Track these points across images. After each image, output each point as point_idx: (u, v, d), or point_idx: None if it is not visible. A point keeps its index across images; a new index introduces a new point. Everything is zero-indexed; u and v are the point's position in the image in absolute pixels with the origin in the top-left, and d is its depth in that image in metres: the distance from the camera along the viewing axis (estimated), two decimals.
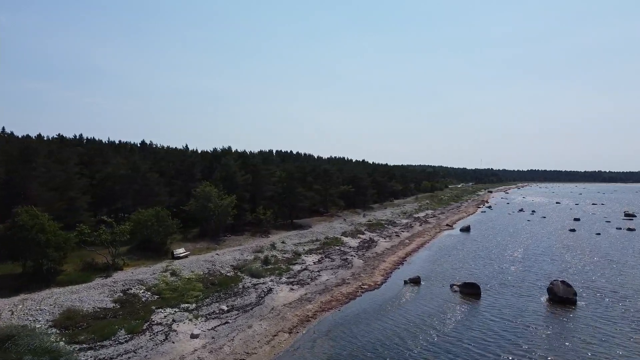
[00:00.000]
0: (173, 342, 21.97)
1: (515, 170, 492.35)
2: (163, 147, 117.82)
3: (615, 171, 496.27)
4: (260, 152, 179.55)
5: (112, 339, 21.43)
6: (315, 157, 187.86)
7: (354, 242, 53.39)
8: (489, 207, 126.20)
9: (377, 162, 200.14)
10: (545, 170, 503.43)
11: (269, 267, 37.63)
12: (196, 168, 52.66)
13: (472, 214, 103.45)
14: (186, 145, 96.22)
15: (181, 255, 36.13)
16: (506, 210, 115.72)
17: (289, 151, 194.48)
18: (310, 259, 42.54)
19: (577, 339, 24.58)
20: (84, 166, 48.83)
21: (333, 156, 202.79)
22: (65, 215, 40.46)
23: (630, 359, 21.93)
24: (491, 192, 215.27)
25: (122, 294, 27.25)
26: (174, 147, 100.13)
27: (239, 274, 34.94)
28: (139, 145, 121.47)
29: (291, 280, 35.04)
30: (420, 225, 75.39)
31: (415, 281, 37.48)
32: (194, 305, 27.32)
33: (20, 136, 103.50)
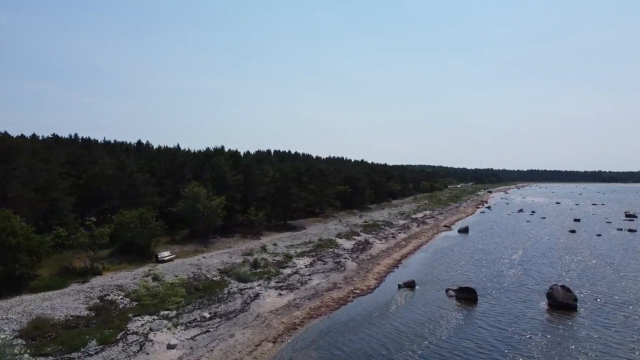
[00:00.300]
0: (147, 354, 20.61)
1: (515, 170, 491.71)
2: (160, 146, 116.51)
3: (615, 171, 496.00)
4: (258, 151, 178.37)
5: (82, 350, 20.07)
6: (314, 157, 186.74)
7: (348, 244, 52.02)
8: (488, 207, 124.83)
9: (376, 162, 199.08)
10: (545, 170, 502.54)
11: (258, 270, 36.26)
12: (186, 168, 51.25)
13: (471, 215, 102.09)
14: (178, 145, 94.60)
15: (166, 258, 34.75)
16: (505, 210, 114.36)
17: (287, 151, 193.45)
18: (302, 262, 41.18)
19: (578, 348, 23.25)
20: (70, 166, 47.49)
21: (332, 156, 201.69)
22: (48, 217, 39.22)
23: None
24: (491, 192, 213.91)
25: (98, 301, 25.89)
26: (166, 147, 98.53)
27: (225, 278, 33.58)
28: (134, 145, 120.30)
29: (280, 284, 33.67)
30: (418, 226, 74.00)
31: (410, 285, 36.12)
32: (174, 312, 25.96)
33: (14, 136, 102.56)
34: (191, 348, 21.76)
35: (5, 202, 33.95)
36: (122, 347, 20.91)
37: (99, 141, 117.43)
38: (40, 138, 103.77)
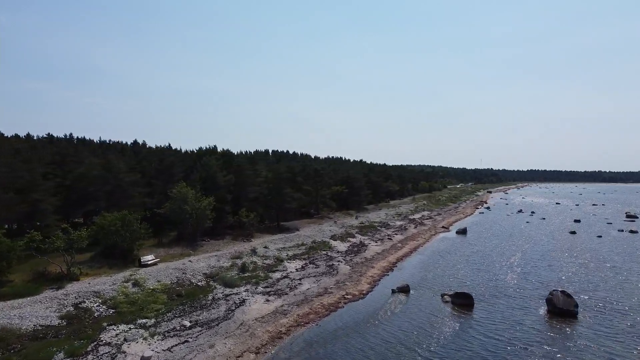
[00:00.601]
0: None
1: (515, 170, 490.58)
2: (151, 146, 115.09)
3: (615, 171, 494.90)
4: (256, 151, 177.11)
5: None
6: (313, 157, 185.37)
7: (342, 247, 50.60)
8: (488, 208, 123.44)
9: (376, 162, 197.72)
10: (545, 170, 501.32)
11: (246, 275, 34.87)
12: (176, 168, 49.81)
13: (469, 215, 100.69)
14: (169, 144, 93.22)
15: (149, 262, 33.32)
16: (505, 211, 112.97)
17: (285, 151, 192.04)
18: (293, 266, 39.77)
19: (578, 357, 21.89)
20: (56, 166, 46.08)
21: (331, 156, 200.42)
22: (29, 219, 37.83)
23: None
24: (490, 192, 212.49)
25: (72, 309, 24.50)
26: (157, 146, 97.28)
27: (211, 283, 32.18)
28: (131, 144, 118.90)
29: (268, 290, 32.26)
30: (415, 227, 72.60)
31: (404, 290, 34.75)
32: (152, 320, 24.56)
33: (8, 136, 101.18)
34: None
35: None
36: None
37: (94, 141, 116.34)
38: (34, 138, 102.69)
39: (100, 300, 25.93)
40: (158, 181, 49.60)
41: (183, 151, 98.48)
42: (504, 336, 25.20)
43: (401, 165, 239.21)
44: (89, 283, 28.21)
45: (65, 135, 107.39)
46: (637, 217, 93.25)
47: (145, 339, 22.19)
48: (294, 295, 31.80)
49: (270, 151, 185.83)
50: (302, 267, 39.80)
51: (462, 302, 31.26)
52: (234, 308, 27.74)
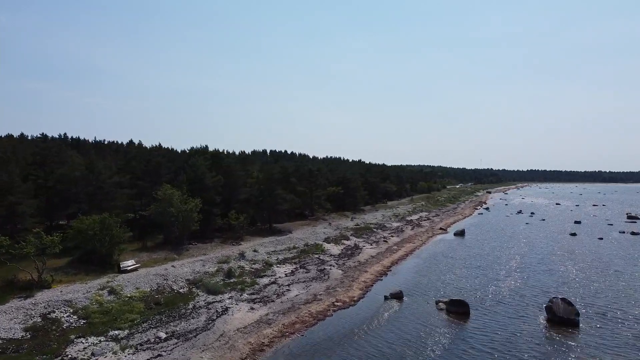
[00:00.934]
0: None
1: (515, 170, 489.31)
2: (153, 146, 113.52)
3: (616, 171, 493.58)
4: (254, 151, 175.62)
5: None
6: (311, 157, 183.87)
7: (336, 250, 49.04)
8: (487, 208, 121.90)
9: (376, 163, 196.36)
10: (545, 171, 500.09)
11: (232, 281, 33.35)
12: (163, 169, 48.20)
13: (468, 216, 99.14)
14: (159, 144, 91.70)
15: (129, 268, 31.72)
16: (504, 212, 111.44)
17: (283, 151, 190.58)
18: (283, 270, 38.22)
19: None
20: (37, 167, 44.48)
21: (330, 156, 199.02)
22: (5, 222, 36.28)
23: None
24: (490, 192, 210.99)
25: (39, 319, 22.96)
26: (145, 146, 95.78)
27: (194, 289, 30.64)
28: (126, 144, 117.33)
29: (254, 297, 30.70)
30: (412, 229, 71.06)
31: (397, 296, 33.19)
32: (126, 332, 23.01)
33: (2, 135, 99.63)
34: None
35: None
36: None
37: (89, 141, 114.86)
38: (29, 137, 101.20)
39: (71, 310, 24.39)
40: (145, 182, 47.99)
41: (179, 151, 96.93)
42: (500, 347, 23.68)
43: (400, 165, 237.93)
44: (61, 291, 26.63)
45: (60, 135, 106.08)
46: (639, 218, 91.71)
47: (115, 353, 20.63)
48: (281, 302, 30.24)
49: (268, 151, 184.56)
50: (292, 271, 38.25)
51: (458, 309, 29.70)
52: (215, 317, 26.17)
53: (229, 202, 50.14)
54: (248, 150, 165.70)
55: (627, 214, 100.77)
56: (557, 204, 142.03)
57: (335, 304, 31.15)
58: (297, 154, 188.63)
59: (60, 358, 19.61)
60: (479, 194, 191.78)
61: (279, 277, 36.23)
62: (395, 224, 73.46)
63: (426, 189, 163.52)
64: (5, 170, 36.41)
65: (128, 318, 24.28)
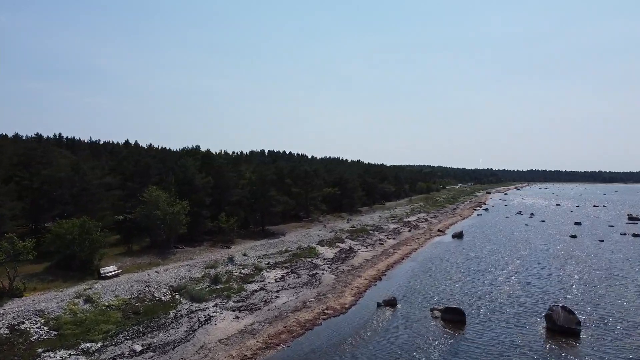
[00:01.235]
0: None
1: (515, 170, 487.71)
2: (149, 146, 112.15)
3: (616, 171, 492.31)
4: (252, 151, 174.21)
5: None
6: (310, 157, 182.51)
7: (330, 253, 47.66)
8: (486, 209, 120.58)
9: (375, 163, 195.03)
10: (545, 171, 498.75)
11: (218, 287, 31.97)
12: (153, 169, 46.83)
13: (467, 218, 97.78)
14: (150, 144, 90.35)
15: (109, 274, 30.33)
16: (504, 212, 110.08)
17: (282, 151, 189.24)
18: (272, 275, 36.85)
19: None
20: (23, 167, 43.13)
21: (329, 156, 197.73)
22: None
23: None
24: (489, 193, 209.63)
25: (7, 331, 21.57)
26: (137, 145, 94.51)
27: (177, 297, 29.26)
28: (122, 144, 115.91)
29: (240, 304, 29.33)
30: (410, 230, 69.71)
31: (391, 303, 31.84)
32: (99, 344, 21.63)
33: None
34: None
35: None
36: None
37: (84, 141, 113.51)
38: (24, 137, 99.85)
39: (42, 321, 23.00)
40: (134, 183, 46.67)
41: (174, 151, 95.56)
42: (497, 358, 22.38)
43: (400, 165, 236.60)
44: (34, 300, 25.23)
45: (55, 135, 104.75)
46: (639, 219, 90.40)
47: None
48: (268, 310, 28.88)
49: (266, 151, 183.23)
50: (282, 277, 36.87)
51: (453, 318, 28.38)
52: (196, 327, 24.81)
53: (219, 204, 48.77)
54: (246, 151, 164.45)
55: (627, 215, 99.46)
56: (557, 204, 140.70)
57: (326, 311, 29.79)
58: (296, 154, 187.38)
59: None
60: (478, 194, 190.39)
61: (268, 282, 34.87)
62: (392, 226, 72.11)
63: (425, 189, 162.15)
64: None
65: (103, 329, 22.90)
